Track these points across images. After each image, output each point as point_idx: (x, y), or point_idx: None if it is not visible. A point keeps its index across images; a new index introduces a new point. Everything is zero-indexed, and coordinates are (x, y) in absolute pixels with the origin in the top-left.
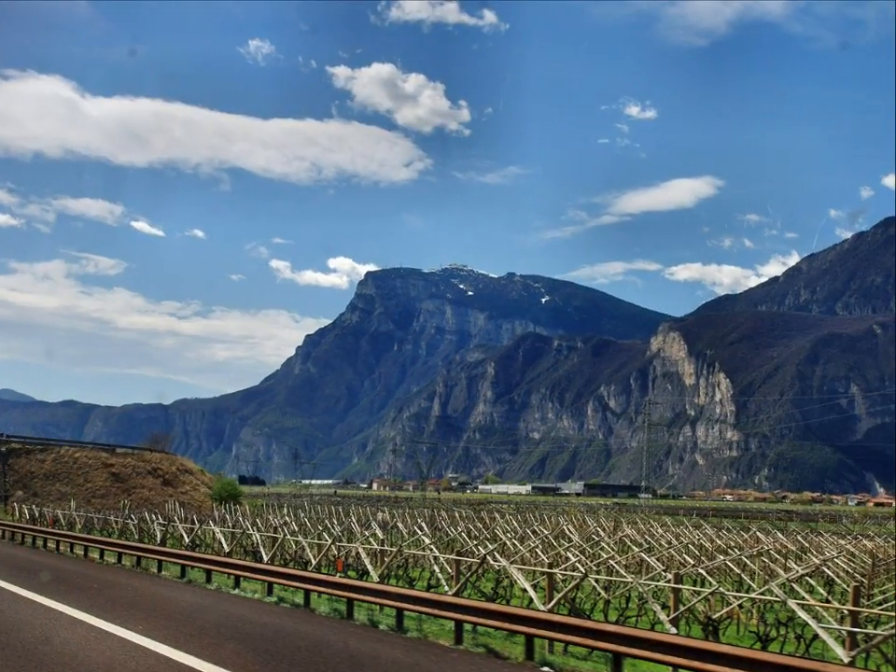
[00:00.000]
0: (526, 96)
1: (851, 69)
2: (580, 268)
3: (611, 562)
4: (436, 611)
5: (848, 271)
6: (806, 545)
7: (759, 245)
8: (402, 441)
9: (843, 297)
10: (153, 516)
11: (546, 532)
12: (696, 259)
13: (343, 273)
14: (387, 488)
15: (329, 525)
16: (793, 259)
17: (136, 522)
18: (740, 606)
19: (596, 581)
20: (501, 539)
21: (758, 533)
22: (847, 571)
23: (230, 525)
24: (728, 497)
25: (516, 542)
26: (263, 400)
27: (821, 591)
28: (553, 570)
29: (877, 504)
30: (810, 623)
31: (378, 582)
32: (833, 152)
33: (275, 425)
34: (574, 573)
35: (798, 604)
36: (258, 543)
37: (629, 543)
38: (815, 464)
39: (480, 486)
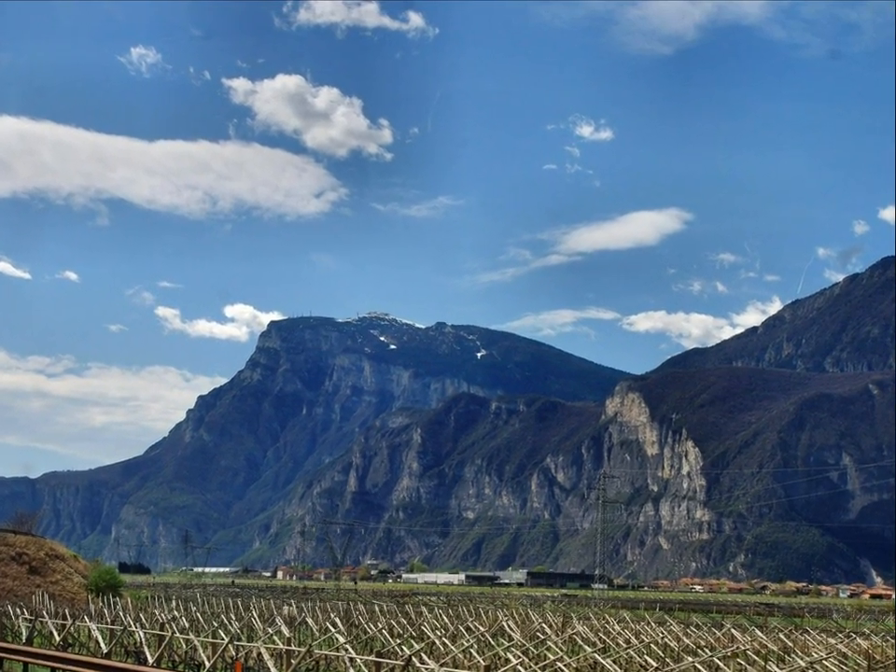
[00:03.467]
0: (459, 114)
1: (843, 82)
2: (522, 317)
3: (560, 664)
4: None
5: (840, 320)
6: (790, 644)
7: (734, 289)
8: (312, 522)
9: (833, 351)
10: (17, 610)
11: (482, 629)
12: (660, 307)
13: (243, 322)
14: (295, 577)
15: (225, 621)
16: (775, 307)
17: None
18: None
19: None
20: (429, 637)
21: (733, 630)
22: None
23: (108, 620)
24: (697, 587)
25: (447, 641)
26: (148, 473)
27: None
28: None
29: (874, 596)
30: None
31: None
32: (822, 180)
33: (162, 503)
34: None
35: None
36: (141, 642)
37: (580, 642)
38: (800, 548)
39: (404, 575)
